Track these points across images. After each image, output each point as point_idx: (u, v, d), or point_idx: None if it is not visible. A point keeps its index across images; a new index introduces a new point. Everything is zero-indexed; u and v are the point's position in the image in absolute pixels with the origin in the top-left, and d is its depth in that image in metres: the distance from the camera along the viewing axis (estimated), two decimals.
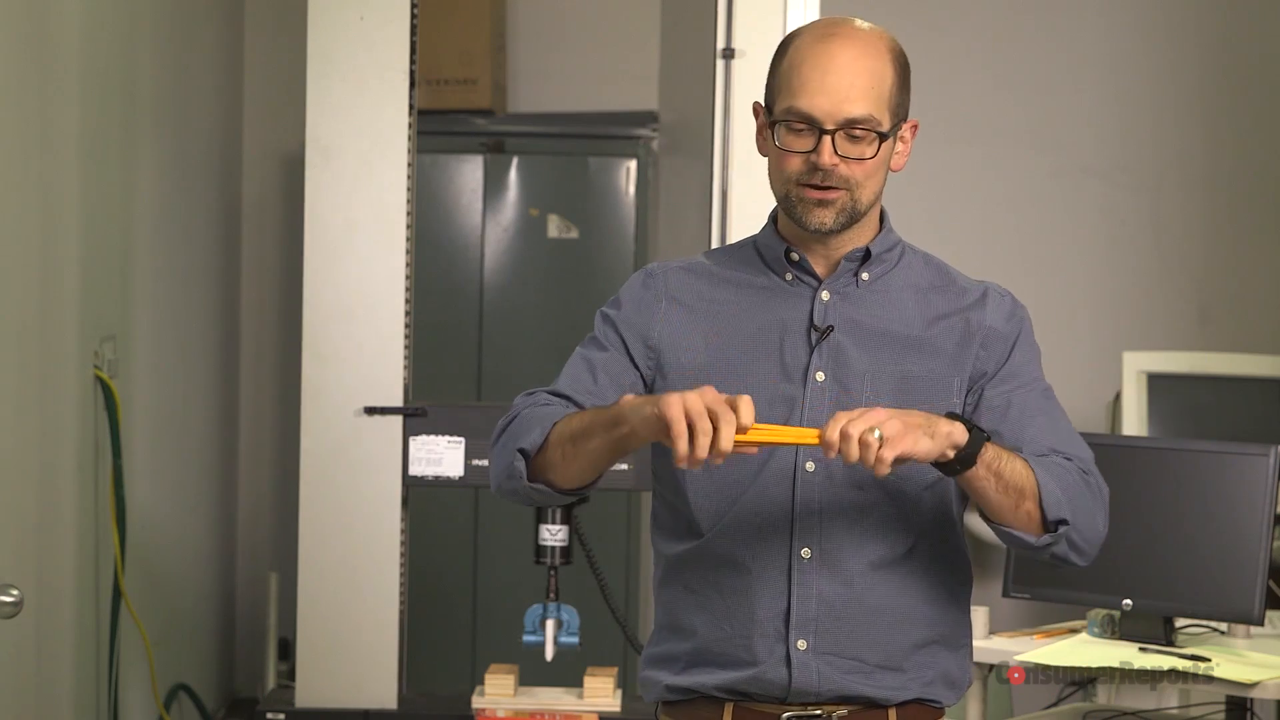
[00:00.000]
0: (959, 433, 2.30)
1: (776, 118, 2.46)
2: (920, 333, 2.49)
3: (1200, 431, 4.75)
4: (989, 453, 2.32)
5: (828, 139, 2.42)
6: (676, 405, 2.22)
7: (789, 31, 2.59)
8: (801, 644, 2.45)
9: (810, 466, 2.45)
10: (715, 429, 2.21)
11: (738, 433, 2.22)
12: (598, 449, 2.37)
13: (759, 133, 2.53)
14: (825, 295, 2.50)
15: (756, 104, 2.54)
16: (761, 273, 2.54)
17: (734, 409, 2.22)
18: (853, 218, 2.47)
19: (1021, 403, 2.48)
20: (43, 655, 3.74)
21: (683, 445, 2.22)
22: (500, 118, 5.75)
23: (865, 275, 2.52)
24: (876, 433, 2.22)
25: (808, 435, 2.28)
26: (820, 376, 2.47)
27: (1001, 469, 2.34)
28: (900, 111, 2.48)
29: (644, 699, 2.61)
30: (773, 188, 2.51)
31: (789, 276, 2.53)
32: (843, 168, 2.43)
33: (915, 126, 2.52)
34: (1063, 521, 2.39)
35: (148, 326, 4.70)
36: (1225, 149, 5.84)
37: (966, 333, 2.50)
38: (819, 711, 2.46)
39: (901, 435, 2.24)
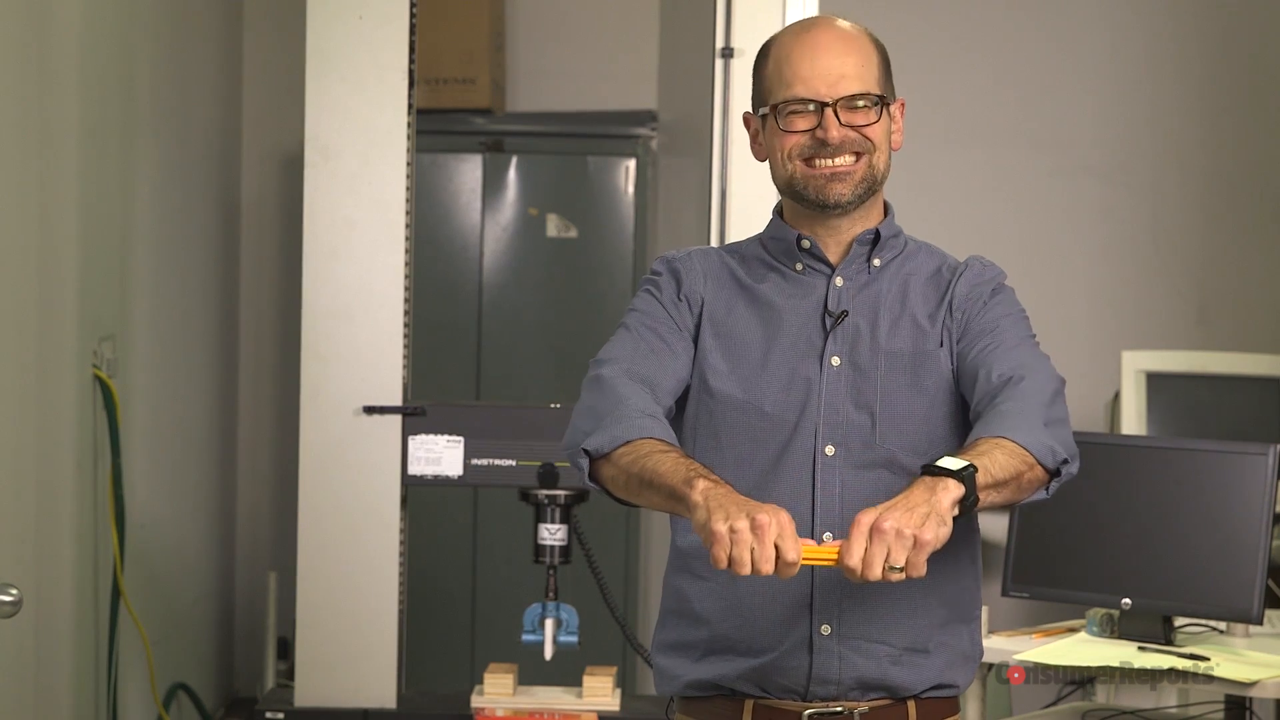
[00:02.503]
0: (955, 490, 2.26)
1: (775, 103, 2.48)
2: (926, 317, 2.51)
3: (1199, 431, 4.75)
4: (980, 478, 2.29)
5: (830, 112, 2.45)
6: (722, 545, 2.20)
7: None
8: (825, 629, 2.45)
9: (830, 450, 2.46)
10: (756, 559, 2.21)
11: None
12: (657, 505, 2.37)
13: (753, 140, 2.56)
14: (839, 281, 2.52)
15: (746, 114, 2.56)
16: (773, 268, 2.56)
17: (780, 552, 2.19)
18: (870, 186, 2.50)
19: (998, 339, 2.49)
20: (42, 655, 3.74)
21: (720, 568, 2.22)
22: (499, 117, 5.75)
23: (877, 261, 2.54)
24: (897, 567, 2.19)
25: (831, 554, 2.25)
26: (836, 361, 2.48)
27: (995, 476, 2.31)
28: (889, 90, 2.52)
29: (657, 691, 2.60)
30: (777, 180, 2.52)
31: (799, 267, 2.54)
32: (852, 134, 2.46)
33: (903, 104, 2.56)
34: (1064, 462, 2.38)
35: (146, 326, 4.70)
36: (1225, 149, 5.84)
37: (949, 306, 2.52)
38: (840, 709, 2.46)
39: (925, 539, 2.19)
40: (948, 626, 2.50)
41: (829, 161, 2.47)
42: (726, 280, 2.57)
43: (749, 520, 2.18)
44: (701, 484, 2.27)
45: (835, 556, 2.21)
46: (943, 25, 5.88)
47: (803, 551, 2.21)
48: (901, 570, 2.19)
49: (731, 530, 2.19)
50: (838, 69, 2.46)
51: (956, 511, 2.26)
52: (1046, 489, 2.40)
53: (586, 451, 2.39)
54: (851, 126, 2.46)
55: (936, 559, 2.46)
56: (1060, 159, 5.87)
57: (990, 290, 2.54)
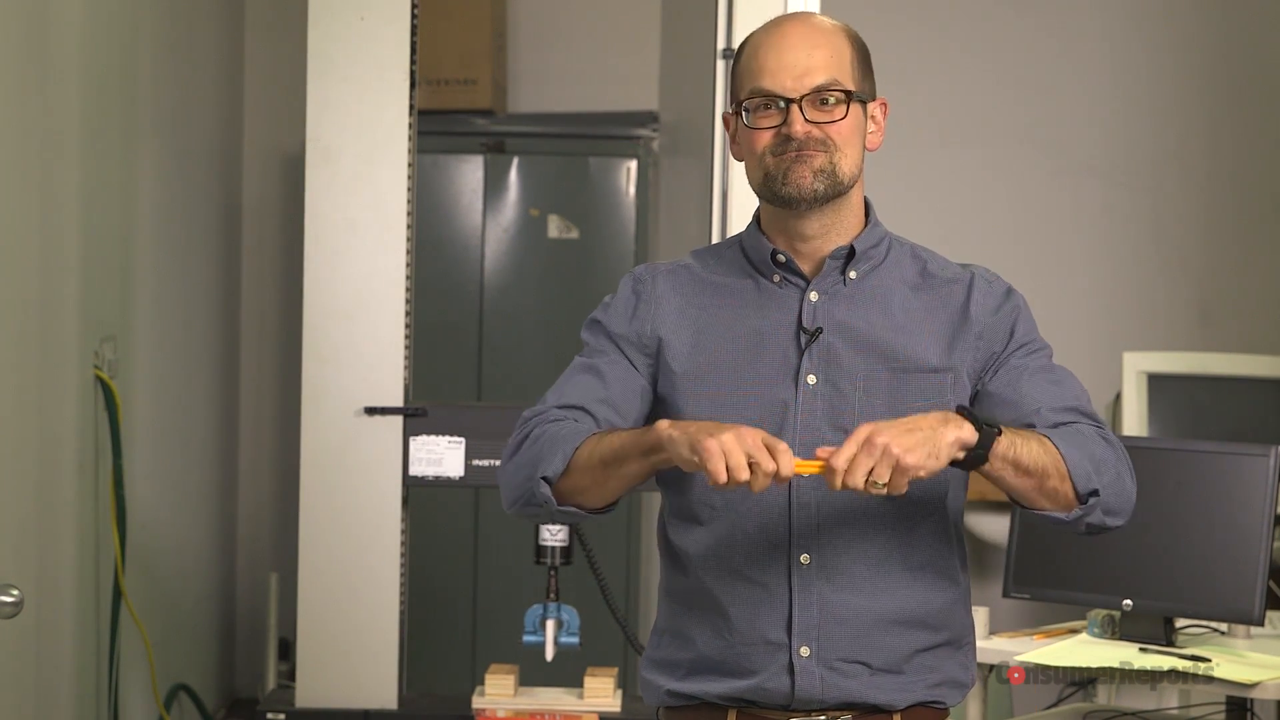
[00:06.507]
0: (968, 434, 2.26)
1: (744, 98, 2.45)
2: (911, 331, 2.47)
3: (1200, 432, 4.75)
4: (1002, 444, 2.29)
5: (795, 108, 2.42)
6: (716, 456, 2.21)
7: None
8: (804, 651, 2.43)
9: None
10: (752, 471, 2.22)
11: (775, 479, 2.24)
12: (634, 473, 2.36)
13: (732, 140, 2.53)
14: (814, 296, 2.48)
15: (726, 114, 2.54)
16: (748, 275, 2.52)
17: (773, 455, 2.21)
18: (834, 184, 2.44)
19: (1031, 373, 2.46)
20: (43, 655, 3.74)
21: (720, 482, 2.22)
22: (500, 118, 5.75)
23: (853, 274, 2.49)
24: (880, 483, 2.22)
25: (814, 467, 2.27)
26: (812, 379, 2.45)
27: (1019, 456, 2.30)
28: (865, 87, 2.48)
29: (644, 701, 2.60)
30: (750, 179, 2.49)
31: (776, 278, 2.51)
32: (816, 132, 2.43)
33: (884, 104, 2.52)
34: (1094, 493, 2.37)
35: (148, 327, 4.70)
36: (1225, 149, 5.84)
37: (960, 326, 2.48)
38: (824, 718, 2.46)
39: (906, 462, 2.21)
40: (931, 651, 2.49)
41: (794, 150, 2.43)
42: (698, 297, 2.53)
43: (733, 431, 2.21)
44: (663, 424, 2.29)
45: (822, 464, 2.24)
46: (943, 25, 5.88)
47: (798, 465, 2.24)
48: (883, 487, 2.21)
49: (721, 442, 2.20)
50: (804, 62, 2.42)
51: (960, 456, 2.26)
52: (1069, 513, 2.38)
53: (546, 479, 2.38)
54: (816, 124, 2.42)
55: (922, 584, 2.46)
56: (1061, 159, 5.87)
57: (1015, 310, 2.50)
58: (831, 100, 2.43)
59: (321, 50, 4.22)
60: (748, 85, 2.45)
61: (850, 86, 2.44)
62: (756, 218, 2.55)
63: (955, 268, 2.54)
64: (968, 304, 2.49)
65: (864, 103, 2.47)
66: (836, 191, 2.45)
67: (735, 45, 4.18)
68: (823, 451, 2.26)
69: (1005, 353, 2.48)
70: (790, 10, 4.16)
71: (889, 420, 2.25)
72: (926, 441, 2.22)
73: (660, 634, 2.56)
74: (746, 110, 2.45)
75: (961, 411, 2.29)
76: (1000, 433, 2.29)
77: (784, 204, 2.46)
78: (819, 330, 2.46)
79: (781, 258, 2.49)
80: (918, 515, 2.46)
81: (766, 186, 2.47)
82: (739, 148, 2.51)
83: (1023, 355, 2.48)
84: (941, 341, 2.47)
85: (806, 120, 2.42)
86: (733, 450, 2.21)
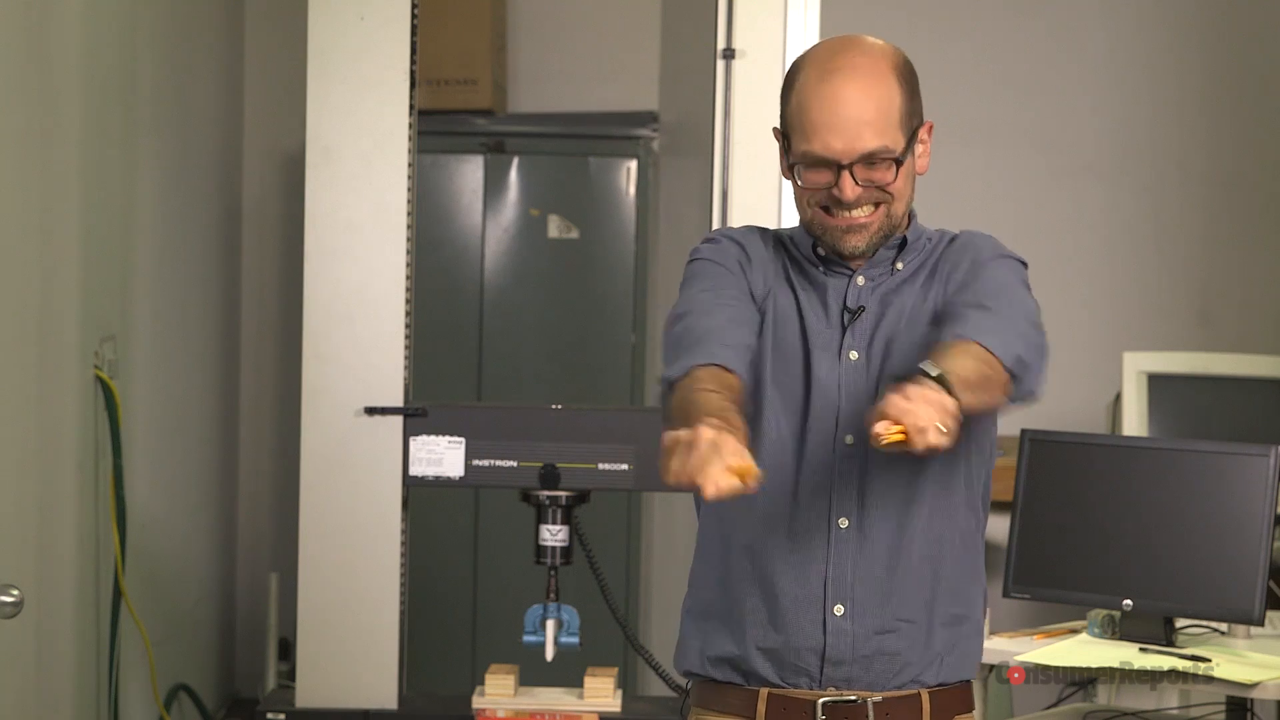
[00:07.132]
0: (933, 385, 2.26)
1: (794, 159, 2.49)
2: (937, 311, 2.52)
3: (1200, 432, 4.75)
4: (953, 382, 2.27)
5: (846, 173, 2.46)
6: (666, 449, 2.21)
7: (798, 51, 2.65)
8: (839, 609, 2.47)
9: (849, 440, 2.47)
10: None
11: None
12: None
13: (781, 157, 2.56)
14: (861, 280, 2.54)
15: (776, 129, 2.56)
16: (794, 262, 2.57)
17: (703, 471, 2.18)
18: (888, 235, 2.52)
19: (974, 292, 2.50)
20: (43, 655, 3.74)
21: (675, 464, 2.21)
22: (500, 118, 5.75)
23: (900, 265, 2.55)
24: (944, 429, 2.20)
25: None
26: (854, 355, 2.50)
27: (970, 381, 2.29)
28: (913, 122, 2.52)
29: (676, 667, 2.62)
30: (799, 211, 2.54)
31: (820, 268, 2.56)
32: (871, 190, 2.47)
33: (930, 127, 2.56)
34: (1020, 362, 2.38)
35: (148, 326, 4.70)
36: (1225, 149, 5.84)
37: (943, 280, 2.55)
38: (854, 698, 2.49)
39: (948, 406, 2.21)
40: (959, 625, 2.53)
41: (846, 213, 2.49)
42: (780, 269, 2.57)
43: (691, 433, 2.18)
44: (713, 420, 2.24)
45: (903, 430, 2.20)
46: (943, 26, 5.88)
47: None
48: (946, 434, 2.19)
49: (674, 439, 2.20)
50: (855, 125, 2.44)
51: None
52: (1020, 392, 2.40)
53: (670, 381, 2.40)
54: (867, 185, 2.47)
55: (953, 556, 2.51)
56: (1061, 159, 5.87)
57: (971, 248, 2.57)
58: (881, 162, 2.47)
59: (322, 51, 4.23)
60: (800, 143, 2.47)
61: (899, 147, 2.47)
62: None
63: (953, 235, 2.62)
64: (945, 259, 2.57)
65: (912, 143, 2.51)
66: (891, 234, 2.53)
67: (736, 46, 4.19)
68: (881, 425, 2.22)
69: (964, 273, 2.54)
70: (791, 12, 4.16)
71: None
72: (930, 395, 2.22)
73: (700, 588, 2.58)
74: (798, 166, 2.48)
75: (923, 374, 2.29)
76: (946, 375, 2.28)
77: (834, 254, 2.52)
78: (861, 309, 2.51)
79: (821, 251, 2.54)
80: (951, 487, 2.51)
81: (817, 233, 2.52)
82: (786, 169, 2.54)
83: (971, 281, 2.52)
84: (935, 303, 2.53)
85: (857, 184, 2.46)
86: (678, 453, 2.20)
